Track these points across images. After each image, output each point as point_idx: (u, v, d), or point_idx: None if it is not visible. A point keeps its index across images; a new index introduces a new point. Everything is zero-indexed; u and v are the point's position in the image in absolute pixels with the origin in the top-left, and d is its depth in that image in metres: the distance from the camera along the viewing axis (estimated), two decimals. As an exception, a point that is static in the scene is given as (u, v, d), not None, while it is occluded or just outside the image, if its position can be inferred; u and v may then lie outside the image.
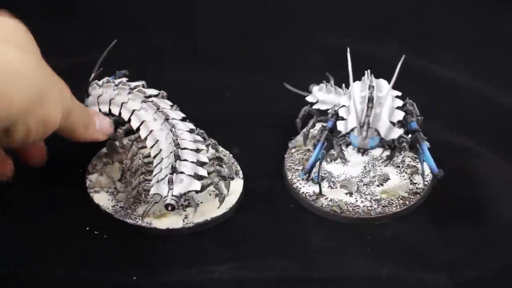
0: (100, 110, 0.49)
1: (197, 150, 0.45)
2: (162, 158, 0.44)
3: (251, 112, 0.59)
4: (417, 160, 0.49)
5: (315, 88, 0.54)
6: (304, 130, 0.51)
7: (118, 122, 0.48)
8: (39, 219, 0.46)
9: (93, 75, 0.52)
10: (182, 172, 0.42)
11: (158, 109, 0.47)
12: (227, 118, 0.56)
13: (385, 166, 0.48)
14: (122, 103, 0.48)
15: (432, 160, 0.41)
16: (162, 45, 0.62)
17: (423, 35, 0.64)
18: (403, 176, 0.47)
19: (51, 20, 0.71)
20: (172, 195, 0.41)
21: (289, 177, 0.49)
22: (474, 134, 0.52)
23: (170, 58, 0.55)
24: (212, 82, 0.54)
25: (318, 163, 0.43)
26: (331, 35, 0.66)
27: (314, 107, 0.51)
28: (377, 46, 0.61)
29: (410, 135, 0.42)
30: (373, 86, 0.40)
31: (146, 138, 0.46)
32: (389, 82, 0.42)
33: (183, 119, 0.47)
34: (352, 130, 0.38)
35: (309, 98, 0.53)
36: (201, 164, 0.44)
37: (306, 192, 0.47)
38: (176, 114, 0.47)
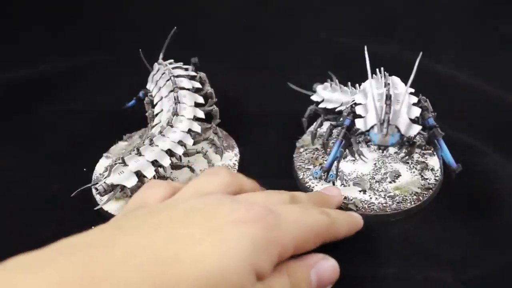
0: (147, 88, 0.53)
1: (189, 131, 0.46)
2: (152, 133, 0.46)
3: (255, 112, 0.59)
4: (426, 156, 0.49)
5: (319, 87, 0.54)
6: (312, 129, 0.51)
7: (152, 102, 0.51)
8: (44, 221, 0.46)
9: (161, 55, 0.54)
10: (156, 145, 0.44)
11: (175, 85, 0.49)
12: (231, 118, 0.56)
13: (405, 162, 0.48)
14: (156, 81, 0.51)
15: (450, 155, 0.41)
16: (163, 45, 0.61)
17: (424, 34, 0.64)
18: (414, 172, 0.48)
19: (52, 20, 0.71)
20: (104, 182, 0.43)
21: (301, 177, 0.49)
22: (478, 132, 0.53)
23: (171, 58, 0.55)
24: (214, 81, 0.54)
25: (336, 161, 0.43)
26: (333, 34, 0.67)
27: (320, 106, 0.51)
28: (378, 45, 0.61)
29: (426, 131, 0.42)
30: (388, 84, 0.41)
31: (156, 115, 0.49)
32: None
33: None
34: (372, 127, 0.38)
35: (314, 97, 0.53)
36: (183, 145, 0.46)
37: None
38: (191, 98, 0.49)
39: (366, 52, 0.40)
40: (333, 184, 0.47)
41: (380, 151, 0.41)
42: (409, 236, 0.44)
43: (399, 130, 0.38)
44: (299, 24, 0.69)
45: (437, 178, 0.47)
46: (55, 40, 0.70)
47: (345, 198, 0.46)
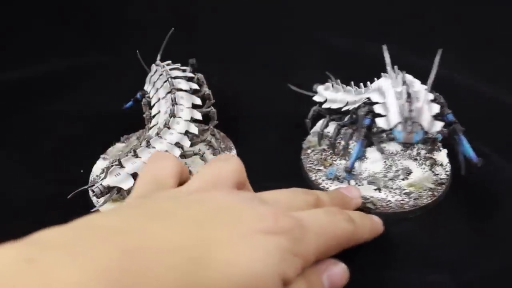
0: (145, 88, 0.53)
1: (186, 133, 0.46)
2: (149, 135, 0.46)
3: (253, 113, 0.58)
4: (433, 152, 0.50)
5: (320, 88, 0.54)
6: (319, 130, 0.51)
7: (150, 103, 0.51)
8: (40, 222, 0.44)
9: (159, 57, 0.54)
10: (153, 147, 0.44)
11: (172, 86, 0.49)
12: (229, 119, 0.55)
13: (413, 158, 0.49)
14: (154, 82, 0.50)
15: (471, 149, 0.41)
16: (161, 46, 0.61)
17: (423, 35, 0.65)
18: (424, 168, 0.48)
19: (50, 21, 0.71)
20: (101, 184, 0.43)
21: (313, 178, 0.48)
22: (478, 133, 0.52)
23: (168, 59, 0.54)
24: (212, 83, 0.53)
25: (358, 161, 0.43)
26: (333, 35, 0.67)
27: (324, 106, 0.51)
28: (378, 46, 0.61)
29: (446, 127, 0.43)
30: (405, 81, 0.41)
31: (154, 116, 0.49)
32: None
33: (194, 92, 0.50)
34: (396, 126, 0.39)
35: (317, 98, 0.53)
36: (181, 146, 0.46)
37: (335, 192, 0.46)
38: (189, 99, 0.49)
39: (385, 51, 0.40)
40: (348, 183, 0.46)
41: (405, 148, 0.41)
42: (406, 237, 0.43)
43: (422, 128, 0.38)
44: (298, 24, 0.69)
45: (447, 173, 0.48)
46: (51, 40, 0.70)
47: (361, 197, 0.45)
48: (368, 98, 0.44)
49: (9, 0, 0.72)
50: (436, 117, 0.40)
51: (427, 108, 0.39)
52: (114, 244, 0.27)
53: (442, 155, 0.50)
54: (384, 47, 0.40)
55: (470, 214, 0.45)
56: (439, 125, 0.39)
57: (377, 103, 0.42)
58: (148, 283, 0.26)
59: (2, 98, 0.62)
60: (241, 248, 0.29)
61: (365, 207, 0.45)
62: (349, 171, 0.43)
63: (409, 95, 0.39)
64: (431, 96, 0.42)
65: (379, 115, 0.41)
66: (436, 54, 0.39)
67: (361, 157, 0.43)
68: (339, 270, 0.36)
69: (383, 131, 0.41)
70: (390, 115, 0.39)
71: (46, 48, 0.69)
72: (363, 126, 0.42)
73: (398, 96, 0.40)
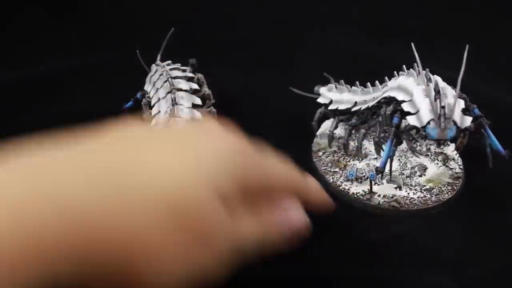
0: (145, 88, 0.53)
1: None
2: None
3: (253, 113, 0.58)
4: (441, 146, 0.50)
5: (322, 89, 0.53)
6: (328, 132, 0.51)
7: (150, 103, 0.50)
8: None
9: (159, 57, 0.54)
10: None
11: (172, 86, 0.49)
12: (229, 119, 0.54)
13: (457, 153, 0.49)
14: (154, 82, 0.50)
15: (498, 142, 0.42)
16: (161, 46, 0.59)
17: (423, 34, 0.66)
18: (437, 163, 0.49)
19: (49, 21, 0.71)
20: None
21: (331, 180, 0.48)
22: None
23: (168, 59, 0.54)
24: (212, 83, 0.53)
25: (389, 160, 0.43)
26: (333, 35, 0.67)
27: (331, 107, 0.51)
28: (378, 45, 0.62)
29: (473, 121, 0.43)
30: (429, 79, 0.41)
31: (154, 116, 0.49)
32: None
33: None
34: (428, 123, 0.39)
35: (321, 100, 0.52)
36: None
37: (357, 192, 0.46)
38: (189, 99, 0.48)
39: (414, 49, 0.40)
40: (371, 183, 0.46)
41: (437, 146, 0.41)
42: (406, 237, 0.43)
43: (455, 123, 0.39)
44: (298, 24, 0.69)
45: (461, 166, 0.48)
46: (51, 40, 0.70)
47: (384, 196, 0.45)
48: (387, 97, 0.44)
49: (9, 0, 0.72)
50: (464, 112, 0.40)
51: (457, 104, 0.40)
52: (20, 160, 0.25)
53: (451, 149, 0.50)
54: (412, 45, 0.40)
55: (471, 213, 0.45)
56: (469, 120, 0.39)
57: (402, 101, 0.42)
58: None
59: (2, 98, 0.62)
60: (173, 155, 0.27)
61: (389, 206, 0.45)
62: (381, 171, 0.43)
63: (438, 91, 0.39)
64: (455, 92, 0.42)
65: (407, 114, 0.41)
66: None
67: (392, 156, 0.43)
68: (299, 216, 0.31)
69: (411, 129, 0.41)
70: (421, 113, 0.39)
71: (46, 48, 0.70)
72: (392, 125, 0.42)
73: (425, 93, 0.40)
